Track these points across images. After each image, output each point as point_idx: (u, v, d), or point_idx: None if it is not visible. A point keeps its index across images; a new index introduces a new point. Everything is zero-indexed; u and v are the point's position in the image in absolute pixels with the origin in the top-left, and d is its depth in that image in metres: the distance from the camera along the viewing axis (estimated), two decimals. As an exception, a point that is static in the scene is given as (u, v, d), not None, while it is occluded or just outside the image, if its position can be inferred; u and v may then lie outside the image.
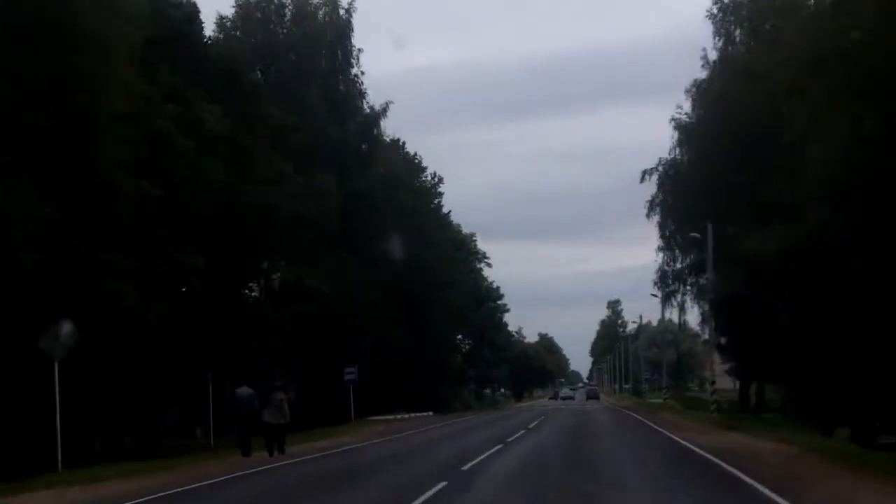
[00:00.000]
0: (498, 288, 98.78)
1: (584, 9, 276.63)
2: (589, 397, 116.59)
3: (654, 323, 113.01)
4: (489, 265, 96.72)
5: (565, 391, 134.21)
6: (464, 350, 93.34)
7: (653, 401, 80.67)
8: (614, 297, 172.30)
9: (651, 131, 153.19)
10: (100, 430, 34.24)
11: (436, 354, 70.65)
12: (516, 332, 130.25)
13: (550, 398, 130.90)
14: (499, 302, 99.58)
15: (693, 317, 62.48)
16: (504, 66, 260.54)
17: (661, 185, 50.37)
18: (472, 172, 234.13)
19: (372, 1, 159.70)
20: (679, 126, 48.48)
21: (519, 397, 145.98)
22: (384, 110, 54.25)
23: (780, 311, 30.69)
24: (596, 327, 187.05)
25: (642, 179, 50.86)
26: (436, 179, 76.42)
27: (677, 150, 49.50)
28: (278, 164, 37.63)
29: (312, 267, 46.97)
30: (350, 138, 50.23)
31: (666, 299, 62.94)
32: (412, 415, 56.92)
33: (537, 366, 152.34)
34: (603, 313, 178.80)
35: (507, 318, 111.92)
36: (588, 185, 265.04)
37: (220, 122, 32.45)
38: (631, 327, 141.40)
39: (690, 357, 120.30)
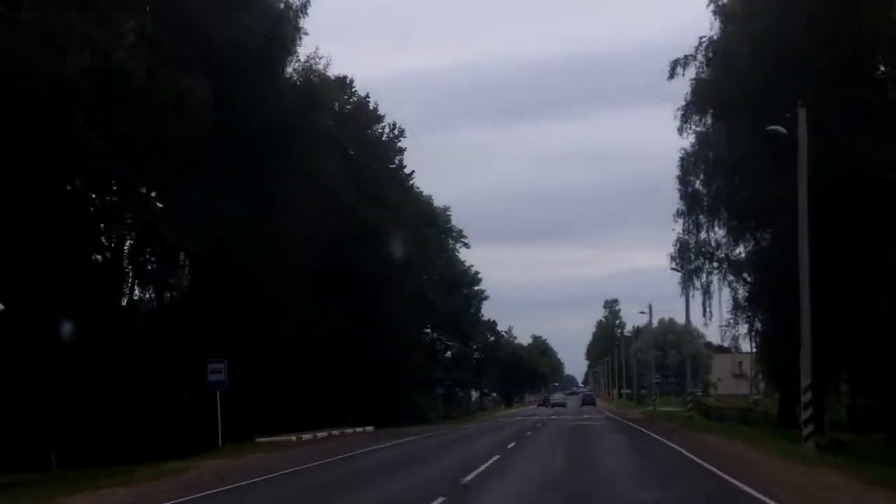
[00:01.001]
0: (477, 273, 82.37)
1: (582, 10, 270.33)
2: (585, 403, 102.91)
3: (655, 323, 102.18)
4: (466, 245, 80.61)
5: (557, 396, 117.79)
6: (437, 347, 77.83)
7: (664, 409, 65.88)
8: (611, 298, 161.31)
9: (651, 133, 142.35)
10: None
11: (390, 351, 54.60)
12: (506, 332, 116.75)
13: (540, 404, 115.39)
14: (475, 288, 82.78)
15: (722, 301, 46.90)
16: (502, 68, 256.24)
17: (698, 85, 34.47)
18: (469, 175, 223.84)
19: (372, 1, 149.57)
20: (719, 8, 33.03)
21: (509, 402, 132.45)
22: (304, 6, 38.63)
23: None
24: (592, 330, 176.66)
25: (671, 75, 35.05)
26: (395, 132, 60.74)
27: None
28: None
29: (179, 214, 31.97)
30: (241, 34, 34.36)
31: (688, 279, 47.88)
32: (340, 431, 41.55)
33: (529, 367, 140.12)
34: (600, 314, 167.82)
35: (499, 319, 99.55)
36: (586, 187, 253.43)
37: None
38: (637, 320, 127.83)
39: (695, 360, 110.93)
